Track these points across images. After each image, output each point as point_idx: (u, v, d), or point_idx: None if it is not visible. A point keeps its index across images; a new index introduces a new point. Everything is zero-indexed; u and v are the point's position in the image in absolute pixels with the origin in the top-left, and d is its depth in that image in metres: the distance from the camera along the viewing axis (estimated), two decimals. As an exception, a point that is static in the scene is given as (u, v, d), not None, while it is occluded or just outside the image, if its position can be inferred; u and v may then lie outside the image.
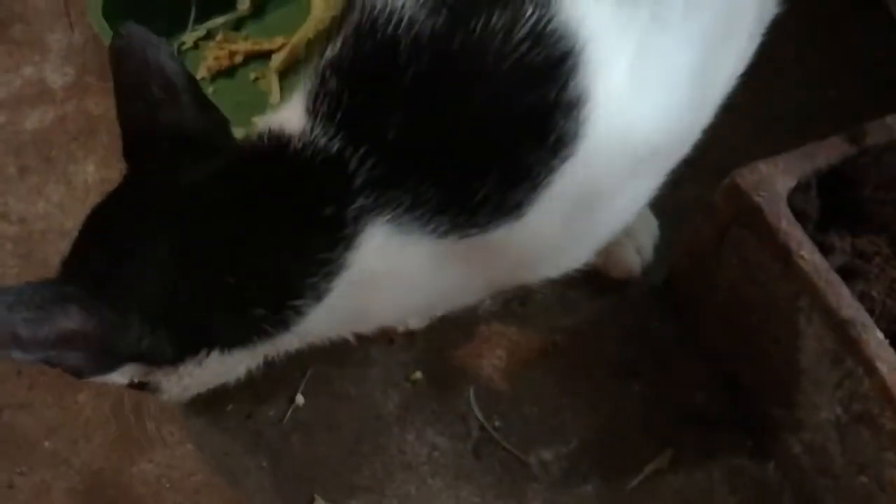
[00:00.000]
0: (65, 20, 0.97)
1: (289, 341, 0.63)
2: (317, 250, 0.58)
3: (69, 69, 0.95)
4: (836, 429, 0.67)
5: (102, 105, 0.93)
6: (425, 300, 0.64)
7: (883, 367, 0.61)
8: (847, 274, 0.66)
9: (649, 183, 0.62)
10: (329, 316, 0.60)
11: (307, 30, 0.95)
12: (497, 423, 0.79)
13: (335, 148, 0.56)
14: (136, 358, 0.61)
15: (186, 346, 0.61)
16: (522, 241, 0.58)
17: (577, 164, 0.55)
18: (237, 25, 0.96)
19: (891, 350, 0.62)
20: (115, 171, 0.90)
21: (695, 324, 0.79)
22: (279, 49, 0.95)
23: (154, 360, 0.61)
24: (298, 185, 0.57)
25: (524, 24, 0.54)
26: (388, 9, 0.55)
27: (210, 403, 0.77)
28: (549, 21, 0.54)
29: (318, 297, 0.59)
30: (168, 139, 0.62)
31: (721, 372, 0.79)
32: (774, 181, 0.67)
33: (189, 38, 0.95)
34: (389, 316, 0.66)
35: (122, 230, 0.61)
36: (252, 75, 0.94)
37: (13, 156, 0.91)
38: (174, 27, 0.95)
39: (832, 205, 0.70)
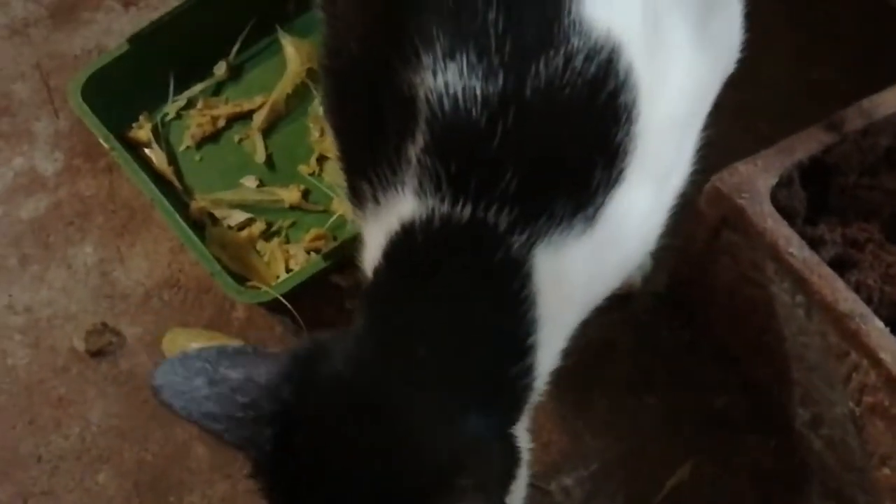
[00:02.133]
0: (49, 107, 0.99)
1: (536, 393, 0.64)
2: (511, 293, 0.61)
3: (58, 155, 0.97)
4: (853, 422, 0.66)
5: (94, 186, 0.95)
6: (593, 297, 0.66)
7: (887, 357, 0.60)
8: (841, 265, 0.65)
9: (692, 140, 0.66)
10: (550, 344, 0.63)
11: (285, 86, 0.96)
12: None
13: (468, 212, 0.59)
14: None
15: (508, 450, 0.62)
16: (628, 207, 0.62)
17: (650, 136, 0.61)
18: (217, 90, 0.97)
19: (892, 338, 0.61)
20: (113, 250, 0.92)
21: (703, 328, 0.79)
22: (260, 108, 0.96)
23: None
24: (461, 260, 0.60)
25: (576, 55, 0.58)
26: (449, 93, 0.58)
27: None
28: (594, 45, 0.59)
29: (534, 329, 0.61)
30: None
31: (737, 374, 0.78)
32: (755, 181, 0.67)
33: (171, 108, 0.96)
34: (576, 321, 0.67)
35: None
36: (236, 137, 0.95)
37: (13, 246, 0.93)
38: (155, 99, 0.96)
39: (819, 196, 0.69)
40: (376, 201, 0.63)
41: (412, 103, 0.60)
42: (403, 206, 0.61)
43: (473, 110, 0.58)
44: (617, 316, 0.82)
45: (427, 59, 0.59)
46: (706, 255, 0.72)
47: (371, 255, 0.64)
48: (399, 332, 0.60)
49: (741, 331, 0.74)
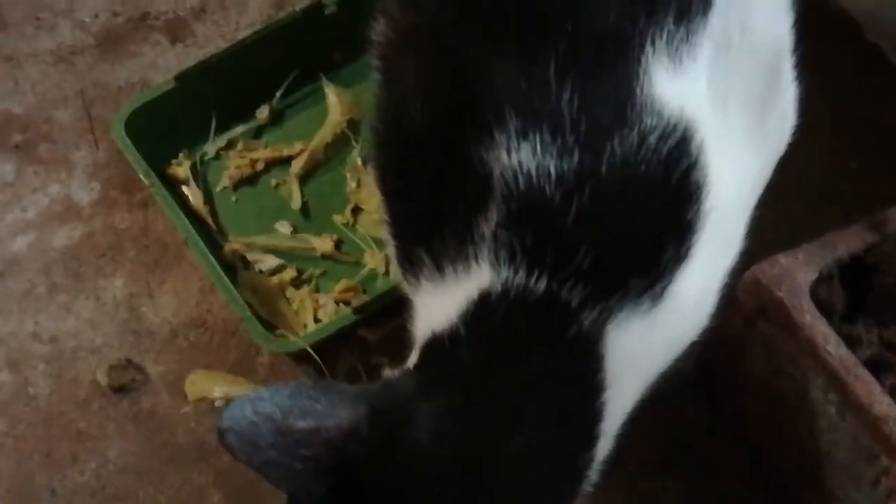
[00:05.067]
0: (89, 137, 1.00)
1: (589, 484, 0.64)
2: (583, 374, 0.61)
3: (95, 185, 0.97)
4: (877, 524, 0.66)
5: (128, 219, 0.95)
6: (650, 378, 0.66)
7: (920, 465, 0.60)
8: (877, 366, 0.65)
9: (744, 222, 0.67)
10: (610, 430, 0.63)
11: (324, 135, 0.97)
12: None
13: (542, 286, 0.60)
14: None
15: None
16: (691, 285, 0.63)
17: (715, 215, 0.62)
18: (257, 133, 0.98)
19: (926, 446, 0.61)
20: (143, 285, 0.92)
21: (728, 415, 0.78)
22: (298, 154, 0.96)
23: None
24: (534, 335, 0.61)
25: (650, 134, 0.60)
26: (523, 171, 0.59)
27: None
28: (668, 123, 0.60)
29: (601, 416, 0.62)
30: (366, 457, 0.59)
31: (759, 464, 0.78)
32: (795, 274, 0.67)
33: (211, 148, 0.97)
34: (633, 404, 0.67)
35: None
36: (273, 182, 0.96)
37: (43, 274, 0.93)
38: (196, 138, 0.97)
39: (858, 294, 0.69)
40: (440, 271, 0.64)
41: (485, 179, 0.61)
42: (479, 277, 0.61)
43: (548, 188, 0.59)
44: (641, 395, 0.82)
45: (500, 138, 0.60)
46: (739, 343, 0.72)
47: (426, 322, 0.64)
48: (487, 413, 0.60)
49: (768, 421, 0.74)
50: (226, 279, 0.86)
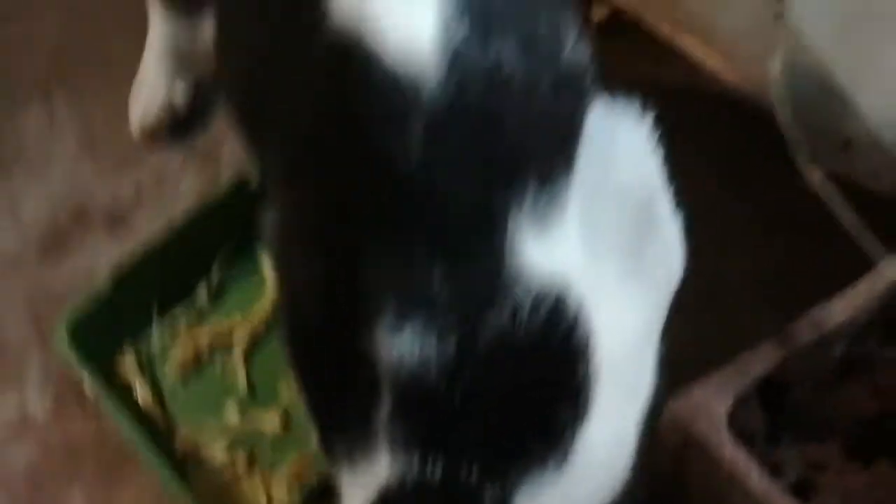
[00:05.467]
0: (39, 346, 1.01)
1: None
2: None
3: (49, 396, 0.98)
4: None
5: (84, 428, 0.96)
6: None
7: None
8: (804, 488, 0.65)
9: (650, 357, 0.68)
10: None
11: (264, 307, 0.99)
12: None
13: (440, 471, 0.60)
14: None
15: None
16: (597, 441, 0.63)
17: (610, 367, 0.63)
18: (199, 318, 1.00)
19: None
20: (102, 496, 0.93)
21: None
22: (240, 331, 0.98)
23: None
24: None
25: (522, 305, 0.60)
26: (405, 358, 0.60)
27: None
28: (540, 291, 0.61)
29: None
30: None
31: None
32: (711, 404, 0.68)
33: (155, 341, 0.99)
34: None
35: None
36: (218, 364, 0.97)
37: (6, 494, 0.94)
38: (140, 327, 0.98)
39: (778, 413, 0.70)
40: (352, 460, 0.64)
41: (373, 368, 0.62)
42: (378, 468, 0.62)
43: (430, 373, 0.60)
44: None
45: (381, 329, 0.61)
46: (674, 481, 0.72)
47: None
48: None
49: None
50: (175, 482, 0.87)
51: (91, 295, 0.97)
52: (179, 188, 1.08)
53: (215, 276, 1.01)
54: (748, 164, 0.98)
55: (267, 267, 1.00)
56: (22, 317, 1.04)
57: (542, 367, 0.62)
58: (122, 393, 0.95)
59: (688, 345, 0.72)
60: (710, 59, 1.02)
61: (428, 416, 0.61)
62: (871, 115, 0.91)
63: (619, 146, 0.67)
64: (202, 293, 1.01)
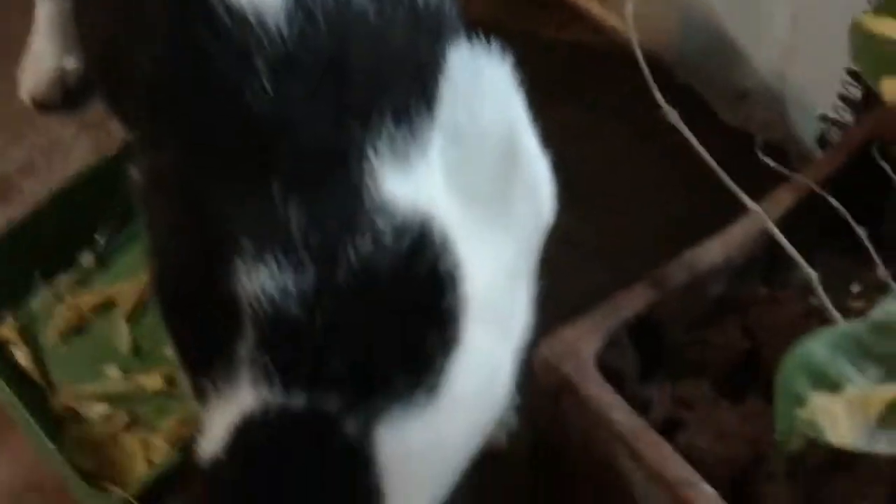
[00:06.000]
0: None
1: None
2: (354, 481, 0.60)
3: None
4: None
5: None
6: (448, 468, 0.65)
7: (718, 524, 0.58)
8: (672, 426, 0.64)
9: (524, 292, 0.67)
10: None
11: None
12: None
13: (302, 402, 0.60)
14: None
15: None
16: (473, 365, 0.62)
17: (479, 298, 0.62)
18: (84, 280, 0.97)
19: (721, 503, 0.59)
20: None
21: (556, 489, 0.76)
22: (124, 296, 0.95)
23: None
24: (297, 449, 0.61)
25: (385, 235, 0.60)
26: (265, 293, 0.60)
27: None
28: (401, 221, 0.60)
29: None
30: None
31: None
32: (579, 346, 0.66)
33: (37, 303, 0.96)
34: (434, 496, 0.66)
35: None
36: (102, 327, 0.95)
37: None
38: (23, 294, 0.96)
39: (652, 355, 0.69)
40: (218, 393, 0.64)
41: (235, 305, 0.61)
42: (242, 400, 0.61)
43: (291, 306, 0.60)
44: (489, 476, 0.80)
45: (240, 265, 0.61)
46: (553, 419, 0.71)
47: (211, 445, 0.64)
48: None
49: (589, 494, 0.72)
50: (45, 439, 0.84)
51: (-32, 259, 0.94)
52: (71, 157, 1.06)
53: (101, 241, 0.98)
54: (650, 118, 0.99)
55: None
56: None
57: (407, 297, 0.61)
58: (1, 355, 0.91)
59: (584, 294, 0.71)
60: (609, 17, 1.04)
61: (290, 347, 0.60)
62: (763, 67, 0.92)
63: (482, 88, 0.67)
64: (87, 258, 0.98)
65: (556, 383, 0.67)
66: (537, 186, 0.68)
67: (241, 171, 0.62)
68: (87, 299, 0.96)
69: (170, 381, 0.91)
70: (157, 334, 0.93)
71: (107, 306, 0.95)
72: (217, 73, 0.62)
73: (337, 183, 0.61)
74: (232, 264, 0.61)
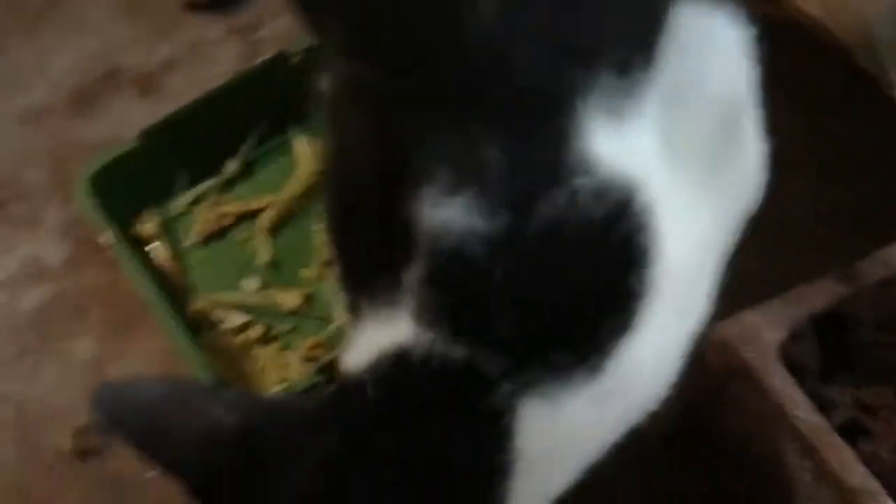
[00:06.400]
0: (60, 195, 0.99)
1: None
2: (486, 454, 0.58)
3: (65, 245, 0.96)
4: None
5: (98, 278, 0.94)
6: (590, 452, 0.63)
7: (896, 539, 0.56)
8: (853, 431, 0.62)
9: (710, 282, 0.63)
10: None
11: (294, 187, 0.95)
12: None
13: (461, 353, 0.57)
14: None
15: None
16: (638, 357, 0.59)
17: (668, 281, 0.58)
18: (226, 187, 0.97)
19: (903, 519, 0.57)
20: (110, 346, 0.91)
21: (708, 477, 0.75)
22: (267, 208, 0.95)
23: None
24: (441, 398, 0.58)
25: (582, 194, 0.56)
26: (450, 228, 0.57)
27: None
28: (600, 177, 0.56)
29: (503, 500, 0.58)
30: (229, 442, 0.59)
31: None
32: (762, 333, 0.64)
33: (179, 204, 0.96)
34: (559, 487, 0.63)
35: None
36: (242, 236, 0.94)
37: (13, 336, 0.92)
38: (164, 194, 0.96)
39: (835, 350, 0.66)
40: (376, 315, 0.61)
41: (412, 230, 0.58)
42: (400, 328, 0.59)
43: (475, 249, 0.56)
44: (622, 455, 0.79)
45: (429, 191, 0.57)
46: (714, 406, 0.69)
47: (355, 361, 0.61)
48: (372, 472, 0.58)
49: (746, 485, 0.70)
50: (187, 341, 0.84)
51: (115, 150, 0.93)
52: (214, 60, 1.05)
53: (246, 152, 0.97)
54: (837, 105, 0.94)
55: (299, 148, 0.96)
56: (44, 166, 1.01)
57: (594, 265, 0.57)
58: (140, 252, 0.92)
59: (756, 278, 0.68)
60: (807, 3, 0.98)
61: (462, 291, 0.57)
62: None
63: (712, 51, 0.62)
64: (231, 166, 0.97)
65: (732, 367, 0.65)
66: (749, 171, 0.64)
67: (446, 101, 0.59)
68: (230, 207, 0.95)
69: (307, 300, 0.90)
70: (297, 251, 0.93)
71: (248, 217, 0.95)
72: None
73: (544, 131, 0.57)
74: (419, 190, 0.58)
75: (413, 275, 0.58)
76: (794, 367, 0.63)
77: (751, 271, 0.67)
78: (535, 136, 0.58)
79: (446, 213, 0.57)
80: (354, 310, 0.64)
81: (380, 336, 0.60)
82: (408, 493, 0.58)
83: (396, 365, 0.58)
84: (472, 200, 0.56)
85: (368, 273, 0.63)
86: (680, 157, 0.60)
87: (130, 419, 0.59)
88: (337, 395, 0.61)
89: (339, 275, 0.68)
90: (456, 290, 0.57)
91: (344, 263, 0.67)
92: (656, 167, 0.59)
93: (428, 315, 0.57)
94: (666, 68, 0.60)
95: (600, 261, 0.57)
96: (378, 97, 0.62)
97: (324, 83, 0.68)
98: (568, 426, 0.58)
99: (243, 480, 0.58)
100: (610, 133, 0.58)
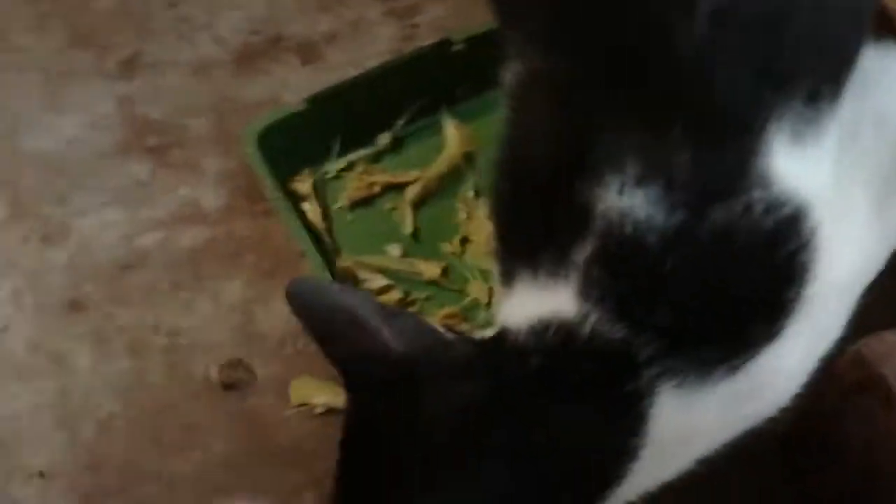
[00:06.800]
0: (220, 147, 1.06)
1: None
2: (619, 433, 0.63)
3: (222, 192, 1.03)
4: None
5: (250, 228, 1.01)
6: (702, 451, 0.68)
7: None
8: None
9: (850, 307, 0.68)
10: (623, 493, 0.65)
11: (441, 165, 1.01)
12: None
13: (619, 334, 0.62)
14: None
15: None
16: (777, 365, 0.64)
17: (819, 302, 0.63)
18: (377, 158, 1.03)
19: None
20: (259, 291, 0.97)
21: (815, 485, 0.79)
22: (414, 182, 1.01)
23: None
24: (590, 372, 0.63)
25: (756, 206, 0.61)
26: (629, 215, 0.62)
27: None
28: (775, 194, 0.61)
29: (621, 480, 0.63)
30: (387, 366, 0.64)
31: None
32: (901, 352, 0.69)
33: (333, 168, 1.02)
34: (668, 475, 0.68)
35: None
36: (388, 206, 1.01)
37: (168, 271, 0.99)
38: (319, 157, 1.02)
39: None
40: (536, 285, 0.66)
41: (588, 212, 0.64)
42: (561, 301, 0.64)
43: (648, 238, 0.62)
44: (738, 453, 0.83)
45: (614, 180, 0.63)
46: (832, 416, 0.74)
47: (506, 314, 0.67)
48: (508, 424, 0.63)
49: (858, 496, 0.75)
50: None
51: (283, 110, 1.00)
52: (372, 38, 1.11)
53: (398, 128, 1.03)
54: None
55: (449, 130, 1.02)
56: (207, 117, 1.08)
57: (756, 274, 0.62)
58: (296, 207, 0.98)
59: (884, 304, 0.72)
60: None
61: (631, 277, 0.62)
62: None
63: (887, 88, 0.67)
64: (383, 139, 1.03)
65: (863, 380, 0.69)
66: None
67: (648, 104, 0.64)
68: (379, 177, 1.01)
69: (445, 273, 0.96)
70: (437, 228, 0.99)
71: (395, 189, 1.01)
72: (652, 2, 0.63)
73: (733, 142, 0.62)
74: (605, 178, 0.63)
75: (582, 253, 0.63)
76: (925, 389, 0.68)
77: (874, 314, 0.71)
78: (724, 147, 0.63)
79: (629, 202, 0.62)
80: (508, 279, 0.69)
81: (539, 304, 0.65)
82: (538, 455, 0.62)
83: (559, 336, 0.63)
84: (656, 195, 0.62)
85: (532, 247, 0.67)
86: (853, 189, 0.65)
87: (314, 317, 0.66)
88: (494, 349, 0.66)
89: (496, 247, 0.74)
90: (627, 273, 0.62)
91: (504, 237, 0.73)
92: (827, 194, 0.64)
93: (595, 293, 0.63)
94: (848, 103, 0.65)
95: (762, 270, 0.63)
96: (572, 91, 0.68)
97: (513, 68, 0.74)
98: (697, 419, 0.63)
99: (396, 402, 0.64)
100: (791, 155, 0.63)
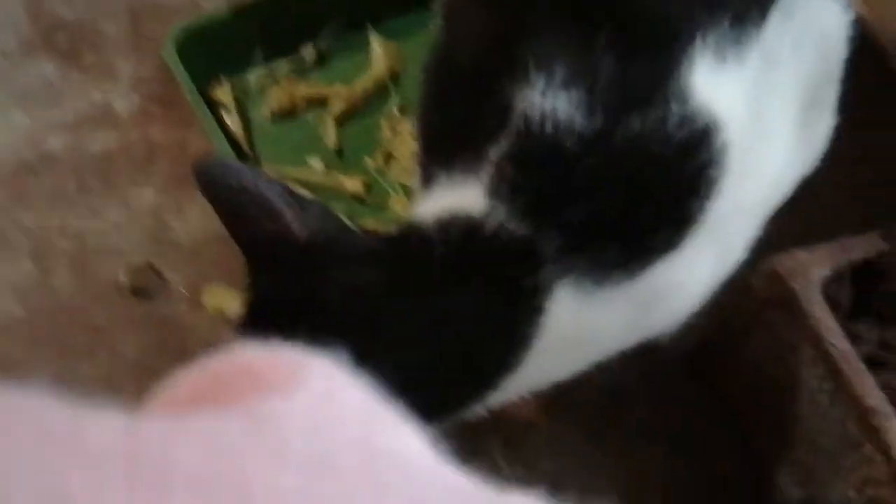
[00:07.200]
0: (135, 51, 1.02)
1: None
2: (514, 323, 0.64)
3: (135, 98, 0.99)
4: (849, 509, 0.70)
5: (165, 134, 0.97)
6: (597, 352, 0.69)
7: (901, 456, 0.64)
8: (871, 364, 0.70)
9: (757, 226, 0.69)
10: (516, 383, 0.66)
11: (366, 83, 1.00)
12: (521, 473, 0.82)
13: (523, 231, 0.63)
14: None
15: None
16: (676, 277, 0.65)
17: (722, 219, 0.65)
18: (302, 73, 1.01)
19: (910, 439, 0.65)
20: (173, 199, 0.95)
21: (720, 396, 0.82)
22: (338, 96, 0.99)
23: None
24: (491, 264, 0.64)
25: (670, 118, 0.63)
26: (549, 116, 0.63)
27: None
28: (690, 109, 0.63)
29: (514, 368, 0.64)
30: (291, 250, 0.65)
31: (744, 446, 0.82)
32: (810, 268, 0.71)
33: (254, 78, 1.00)
34: (563, 373, 0.70)
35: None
36: (311, 119, 0.99)
37: (75, 175, 0.95)
38: (240, 68, 0.99)
39: (864, 297, 0.74)
40: (450, 182, 0.67)
41: (507, 112, 0.64)
42: (471, 197, 0.64)
43: (565, 139, 0.62)
44: (638, 366, 0.86)
45: (538, 81, 0.63)
46: (741, 328, 0.76)
47: (421, 216, 0.67)
48: (413, 304, 0.64)
49: (758, 405, 0.78)
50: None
51: (204, 17, 0.97)
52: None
53: (322, 41, 1.01)
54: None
55: (375, 47, 1.01)
56: (122, 22, 1.03)
57: (663, 183, 0.64)
58: (215, 115, 0.95)
59: (787, 240, 0.74)
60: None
61: (543, 175, 0.63)
62: None
63: (812, 30, 0.68)
64: (308, 52, 1.01)
65: (776, 295, 0.72)
66: (818, 139, 0.71)
67: (574, 6, 0.65)
68: (302, 89, 0.99)
69: (368, 188, 0.95)
70: (360, 144, 0.98)
71: (318, 103, 0.99)
72: None
73: (658, 54, 0.63)
74: (526, 80, 0.63)
75: (497, 151, 0.64)
76: (829, 303, 0.71)
77: (783, 234, 0.74)
78: (648, 58, 0.64)
79: (552, 103, 0.63)
80: (426, 181, 0.70)
81: (449, 200, 0.66)
82: (435, 338, 0.64)
83: (465, 230, 0.64)
84: (578, 98, 0.63)
85: (451, 147, 0.68)
86: (765, 113, 0.67)
87: (221, 197, 0.66)
88: (399, 240, 0.67)
89: (419, 153, 0.74)
90: (539, 173, 0.63)
91: (428, 142, 0.73)
92: (744, 115, 0.65)
93: (504, 189, 0.63)
94: (769, 32, 0.66)
95: (669, 181, 0.64)
96: (499, 4, 0.68)
97: None
98: (594, 319, 0.65)
99: (297, 286, 0.65)
100: (711, 74, 0.64)
